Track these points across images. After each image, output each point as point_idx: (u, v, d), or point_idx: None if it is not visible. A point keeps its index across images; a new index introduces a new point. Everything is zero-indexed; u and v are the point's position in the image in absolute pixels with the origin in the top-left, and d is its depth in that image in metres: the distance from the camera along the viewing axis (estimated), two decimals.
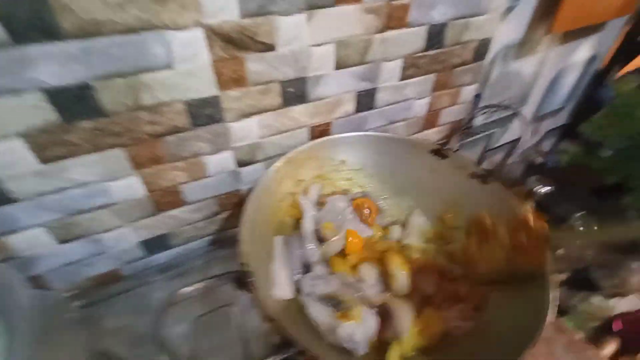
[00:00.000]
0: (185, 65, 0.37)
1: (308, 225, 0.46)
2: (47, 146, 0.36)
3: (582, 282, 0.78)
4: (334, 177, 0.55)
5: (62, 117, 0.35)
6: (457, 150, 0.82)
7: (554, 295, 0.35)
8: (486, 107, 0.60)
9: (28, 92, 0.32)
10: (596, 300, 0.79)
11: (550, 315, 0.33)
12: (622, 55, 0.84)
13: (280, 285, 0.39)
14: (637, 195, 0.61)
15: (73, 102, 0.34)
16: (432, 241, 0.51)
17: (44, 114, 0.34)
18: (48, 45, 0.30)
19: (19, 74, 0.31)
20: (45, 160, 0.37)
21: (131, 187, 0.44)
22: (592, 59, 0.85)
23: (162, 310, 0.27)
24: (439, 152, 0.52)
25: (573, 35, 0.74)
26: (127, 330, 0.46)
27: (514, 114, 0.86)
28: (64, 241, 0.44)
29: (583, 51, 0.81)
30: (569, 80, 0.88)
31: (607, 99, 0.64)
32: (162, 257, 0.55)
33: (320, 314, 0.37)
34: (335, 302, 0.39)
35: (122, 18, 0.31)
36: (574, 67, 0.85)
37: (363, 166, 0.56)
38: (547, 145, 1.08)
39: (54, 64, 0.31)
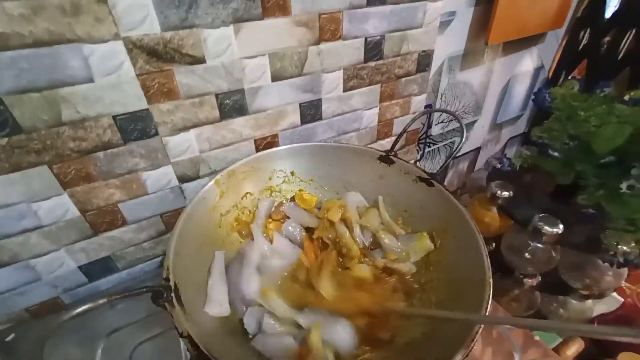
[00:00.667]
0: (108, 78, 0.36)
1: (254, 258, 0.43)
2: None
3: (556, 285, 0.78)
4: (285, 189, 0.54)
5: None
6: (419, 160, 0.84)
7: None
8: (427, 109, 0.60)
9: None
10: (574, 303, 0.78)
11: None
12: (566, 64, 0.88)
13: (214, 302, 0.37)
14: (590, 193, 0.60)
15: None
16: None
17: None
18: None
19: None
20: None
21: (61, 207, 0.42)
22: (539, 69, 0.89)
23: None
24: (386, 158, 0.52)
25: (514, 47, 0.77)
26: None
27: (472, 123, 0.88)
28: None
29: (528, 62, 0.84)
30: (520, 90, 0.91)
31: (547, 104, 0.66)
32: (106, 282, 0.52)
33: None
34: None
35: (29, 31, 0.31)
36: (523, 77, 0.88)
37: (314, 177, 0.55)
38: (510, 153, 1.11)
39: None
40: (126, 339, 0.47)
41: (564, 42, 0.85)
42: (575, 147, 0.63)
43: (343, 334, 0.34)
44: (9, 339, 0.32)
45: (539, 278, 0.77)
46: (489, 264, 0.35)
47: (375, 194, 0.52)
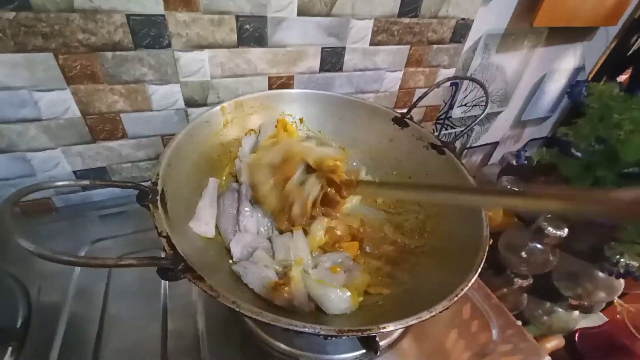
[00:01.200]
0: None
1: (244, 178, 0.42)
2: None
3: (546, 290, 0.76)
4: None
5: None
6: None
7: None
8: (456, 77, 0.57)
9: None
10: (560, 312, 0.77)
11: None
12: (610, 68, 0.82)
13: (200, 220, 0.36)
14: None
15: None
16: (384, 210, 0.48)
17: None
18: None
19: None
20: None
21: (63, 103, 0.41)
22: (579, 69, 0.83)
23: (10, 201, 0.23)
24: (401, 120, 0.49)
25: (559, 37, 0.72)
26: (43, 277, 0.42)
27: (495, 113, 0.84)
28: None
29: (569, 58, 0.79)
30: (554, 88, 0.86)
31: (582, 98, 0.62)
32: (98, 194, 0.52)
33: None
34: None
35: None
36: (560, 75, 0.83)
37: (322, 128, 0.53)
38: (528, 153, 1.07)
39: None
40: (109, 250, 0.47)
41: (612, 44, 0.79)
42: (601, 151, 0.60)
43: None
44: None
45: (531, 280, 0.76)
46: (488, 232, 0.34)
47: (381, 155, 0.50)
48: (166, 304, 0.42)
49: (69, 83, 0.39)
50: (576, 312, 0.76)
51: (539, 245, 0.67)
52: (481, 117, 0.43)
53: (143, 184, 0.29)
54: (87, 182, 0.27)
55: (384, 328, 0.23)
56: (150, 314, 0.40)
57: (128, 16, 0.37)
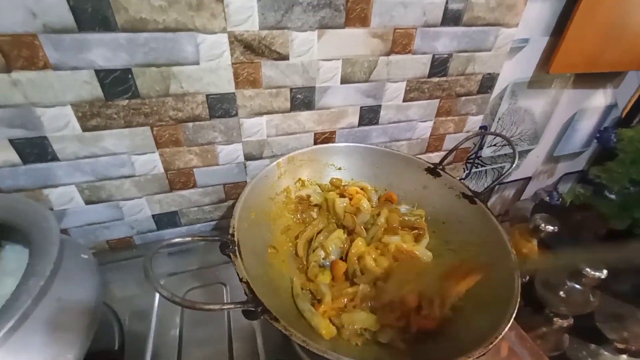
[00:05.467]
0: (209, 63, 0.43)
1: None
2: (89, 117, 0.43)
3: (589, 331, 0.74)
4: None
5: (105, 94, 0.42)
6: (463, 178, 0.84)
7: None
8: (482, 131, 0.61)
9: (83, 69, 0.39)
10: (606, 355, 0.73)
11: None
12: None
13: None
14: None
15: (115, 82, 0.41)
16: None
17: (92, 89, 0.41)
18: (104, 35, 0.38)
19: (79, 55, 0.38)
20: (85, 128, 0.44)
21: (152, 163, 0.50)
22: (611, 107, 0.84)
23: (151, 254, 0.31)
24: (433, 170, 0.54)
25: (585, 81, 0.75)
26: (129, 303, 0.50)
27: (526, 152, 0.86)
28: (90, 202, 0.51)
29: (600, 98, 0.81)
30: (587, 125, 0.87)
31: (612, 144, 0.63)
32: (169, 233, 0.60)
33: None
34: None
35: (163, 19, 0.38)
36: (592, 113, 0.84)
37: (360, 176, 0.59)
38: (563, 189, 1.06)
39: (105, 50, 0.39)
40: (180, 283, 0.54)
41: None
42: (636, 193, 0.61)
43: None
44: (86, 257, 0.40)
45: (571, 320, 0.74)
46: (519, 283, 0.37)
47: (416, 200, 0.55)
48: (230, 328, 0.48)
49: (158, 147, 0.49)
50: (624, 356, 0.73)
51: (577, 286, 0.66)
52: (510, 170, 0.47)
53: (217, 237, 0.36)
54: (189, 239, 0.34)
55: None
56: (218, 337, 0.47)
57: (207, 96, 0.46)
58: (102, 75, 0.40)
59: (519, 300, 0.35)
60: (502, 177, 0.48)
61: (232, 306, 0.29)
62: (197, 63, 0.43)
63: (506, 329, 0.31)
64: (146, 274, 0.28)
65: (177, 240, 0.33)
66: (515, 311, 0.34)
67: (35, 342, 0.28)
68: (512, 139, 0.79)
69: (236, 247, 0.36)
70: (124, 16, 0.37)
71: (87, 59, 0.39)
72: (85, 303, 0.33)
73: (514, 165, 0.46)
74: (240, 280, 0.33)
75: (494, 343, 0.30)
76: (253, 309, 0.30)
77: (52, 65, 0.38)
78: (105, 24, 0.37)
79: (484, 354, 0.29)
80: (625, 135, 0.59)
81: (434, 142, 0.69)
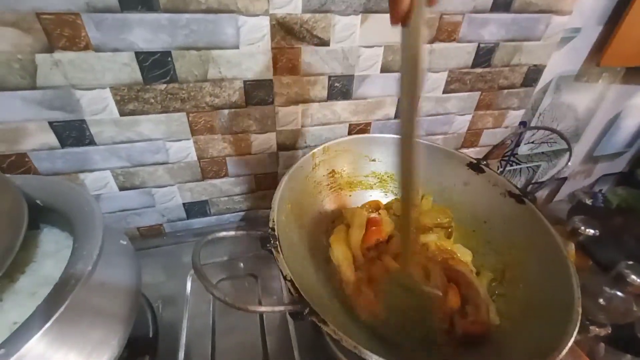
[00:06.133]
0: (249, 47, 0.42)
1: None
2: (127, 100, 0.42)
3: (628, 342, 0.70)
4: (365, 174, 0.56)
5: (143, 77, 0.41)
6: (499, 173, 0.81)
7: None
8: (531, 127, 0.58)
9: (123, 51, 0.38)
10: None
11: None
12: None
13: None
14: None
15: (155, 65, 0.40)
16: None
17: (131, 72, 0.40)
18: (145, 15, 0.36)
19: (120, 36, 0.37)
20: (123, 113, 0.43)
21: (186, 150, 0.49)
22: None
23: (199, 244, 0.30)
24: (477, 166, 0.51)
25: (637, 75, 0.70)
26: (160, 291, 0.49)
27: (564, 150, 0.82)
28: (123, 188, 0.51)
29: None
30: (632, 123, 0.82)
31: None
32: (198, 222, 0.60)
33: None
34: None
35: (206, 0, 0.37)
36: (638, 110, 0.79)
37: (395, 169, 0.56)
38: (598, 187, 1.00)
39: (146, 31, 0.37)
40: (210, 274, 0.53)
41: None
42: None
43: None
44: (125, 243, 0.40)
45: (609, 329, 0.70)
46: (579, 292, 0.34)
47: (454, 197, 0.52)
48: (262, 315, 0.47)
49: (193, 134, 0.48)
50: None
51: (619, 293, 0.63)
52: (563, 168, 0.44)
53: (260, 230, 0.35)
54: (233, 232, 0.33)
55: None
56: (250, 324, 0.46)
57: (245, 82, 0.45)
58: (142, 57, 0.39)
59: (580, 312, 0.32)
60: (559, 173, 0.45)
61: (283, 309, 0.27)
62: (237, 47, 0.41)
63: (570, 344, 0.29)
64: (197, 272, 0.27)
65: (223, 234, 0.32)
66: (578, 324, 0.31)
67: (81, 328, 0.28)
68: (551, 136, 0.75)
69: (277, 242, 0.34)
70: None
71: (127, 40, 0.38)
72: (127, 288, 0.33)
73: (569, 162, 0.43)
74: (284, 278, 0.31)
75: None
76: (300, 311, 0.28)
77: (93, 46, 0.37)
78: (148, 3, 0.36)
79: None
80: None
81: (471, 137, 0.65)
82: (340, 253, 0.43)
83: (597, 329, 0.72)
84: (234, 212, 0.61)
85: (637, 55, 0.60)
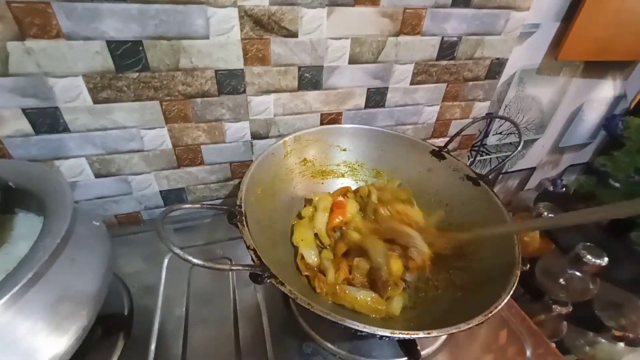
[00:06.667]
0: (219, 38, 0.44)
1: None
2: (100, 88, 0.43)
3: (587, 319, 0.75)
4: (336, 162, 0.58)
5: (115, 65, 0.42)
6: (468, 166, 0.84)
7: None
8: (489, 115, 0.61)
9: (95, 39, 0.39)
10: (603, 343, 0.74)
11: None
12: None
13: None
14: None
15: (126, 54, 0.42)
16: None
17: (103, 60, 0.41)
18: (115, 4, 0.38)
19: (91, 24, 0.38)
20: (96, 100, 0.44)
21: (160, 138, 0.51)
22: (619, 98, 0.84)
23: (162, 216, 0.32)
24: (438, 153, 0.54)
25: (595, 70, 0.74)
26: (136, 276, 0.51)
27: (532, 141, 0.86)
28: (99, 175, 0.52)
29: (608, 88, 0.80)
30: (593, 116, 0.87)
31: (619, 132, 0.63)
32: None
33: None
34: None
35: None
36: (600, 103, 0.83)
37: (365, 158, 0.59)
38: (567, 180, 1.05)
39: (117, 20, 0.39)
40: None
41: None
42: None
43: None
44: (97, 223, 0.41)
45: (570, 308, 0.75)
46: (520, 260, 0.37)
47: (421, 183, 0.55)
48: (236, 307, 0.48)
49: (167, 122, 0.49)
50: (621, 344, 0.73)
51: (577, 273, 0.66)
52: (513, 155, 0.47)
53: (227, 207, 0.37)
54: (198, 205, 0.35)
55: (429, 333, 0.28)
56: (224, 316, 0.47)
57: (216, 71, 0.46)
58: (114, 46, 0.40)
59: (518, 274, 0.36)
60: (508, 159, 0.48)
61: (241, 267, 0.30)
62: (207, 37, 0.43)
63: (505, 299, 0.32)
64: (159, 235, 0.29)
65: (187, 206, 0.35)
66: (516, 282, 0.34)
67: (49, 301, 0.29)
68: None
69: (244, 217, 0.37)
70: None
71: (99, 29, 0.39)
72: (97, 266, 0.34)
73: (519, 147, 0.46)
74: (248, 247, 0.34)
75: (493, 312, 0.31)
76: (260, 273, 0.31)
77: (64, 35, 0.38)
78: None
79: (482, 322, 0.30)
80: (632, 124, 0.59)
81: (440, 127, 0.68)
82: (299, 234, 0.45)
83: (559, 308, 0.77)
84: (211, 200, 0.62)
85: (592, 50, 0.64)
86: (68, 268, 0.31)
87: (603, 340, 0.74)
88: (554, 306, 0.76)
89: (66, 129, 0.45)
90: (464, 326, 0.30)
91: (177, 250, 0.27)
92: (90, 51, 0.40)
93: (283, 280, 0.31)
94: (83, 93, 0.43)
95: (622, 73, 0.78)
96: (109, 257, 0.37)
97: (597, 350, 0.74)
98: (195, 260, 0.28)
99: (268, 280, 0.31)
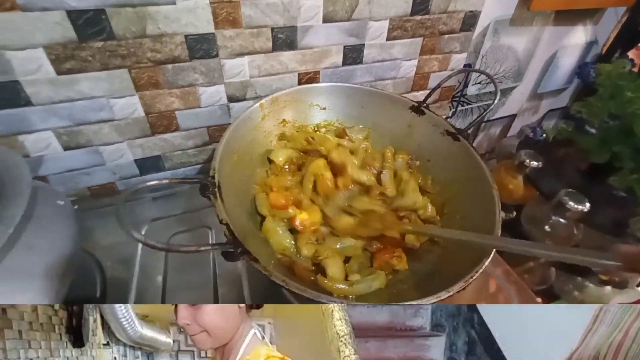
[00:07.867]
0: (187, 3, 0.45)
1: None
2: (63, 59, 0.45)
3: (574, 265, 0.84)
4: (316, 122, 0.63)
5: (78, 35, 0.43)
6: (450, 117, 0.91)
7: None
8: (465, 68, 0.66)
9: (54, 10, 0.40)
10: (591, 287, 0.78)
11: None
12: (622, 42, 0.90)
13: None
14: (623, 175, 0.63)
15: (88, 23, 0.43)
16: None
17: (64, 30, 0.42)
18: None
19: None
20: (60, 72, 0.46)
21: (132, 106, 0.53)
22: (591, 43, 0.92)
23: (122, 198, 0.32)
24: (418, 108, 0.59)
25: (566, 18, 0.80)
26: (111, 250, 0.54)
27: (510, 89, 0.93)
28: (68, 148, 0.54)
29: (580, 35, 0.87)
30: (568, 62, 0.95)
31: (591, 79, 0.70)
32: (153, 178, 0.66)
33: None
34: None
35: None
36: (573, 49, 0.91)
37: (346, 116, 0.63)
38: (548, 125, 1.15)
39: None
40: (164, 227, 0.59)
41: (623, 19, 0.86)
42: (615, 127, 0.65)
43: None
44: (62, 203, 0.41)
45: None
46: (500, 217, 0.42)
47: (401, 139, 0.60)
48: (215, 273, 0.53)
49: (137, 90, 0.52)
50: (608, 288, 0.76)
51: (561, 220, 0.69)
52: (491, 108, 0.54)
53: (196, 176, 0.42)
54: (167, 181, 0.39)
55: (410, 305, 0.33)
56: (203, 282, 0.51)
57: (186, 36, 0.49)
58: (74, 16, 0.42)
59: (499, 232, 0.40)
60: (485, 113, 0.55)
61: (210, 247, 0.34)
62: (174, 3, 0.45)
63: (486, 264, 0.36)
64: (118, 219, 0.29)
65: (153, 183, 0.36)
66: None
67: (5, 291, 0.30)
68: (496, 76, 0.86)
69: (217, 189, 0.38)
70: None
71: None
72: (60, 251, 0.35)
73: (496, 100, 0.51)
74: (220, 222, 0.35)
75: (474, 277, 0.34)
76: (232, 250, 0.32)
77: (19, 6, 0.39)
78: None
79: (464, 288, 0.33)
80: (603, 70, 0.64)
81: (419, 80, 0.74)
82: (260, 199, 0.50)
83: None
84: (189, 166, 0.67)
85: (561, 0, 0.70)
86: (25, 257, 0.31)
87: (591, 285, 0.77)
88: None
89: (28, 103, 0.47)
90: (444, 294, 0.32)
91: (138, 236, 0.29)
92: (49, 22, 0.41)
93: (259, 256, 0.33)
94: (45, 65, 0.44)
95: (592, 19, 0.85)
96: (74, 240, 0.37)
97: (585, 295, 0.78)
98: (159, 245, 0.29)
99: (241, 258, 0.32)
